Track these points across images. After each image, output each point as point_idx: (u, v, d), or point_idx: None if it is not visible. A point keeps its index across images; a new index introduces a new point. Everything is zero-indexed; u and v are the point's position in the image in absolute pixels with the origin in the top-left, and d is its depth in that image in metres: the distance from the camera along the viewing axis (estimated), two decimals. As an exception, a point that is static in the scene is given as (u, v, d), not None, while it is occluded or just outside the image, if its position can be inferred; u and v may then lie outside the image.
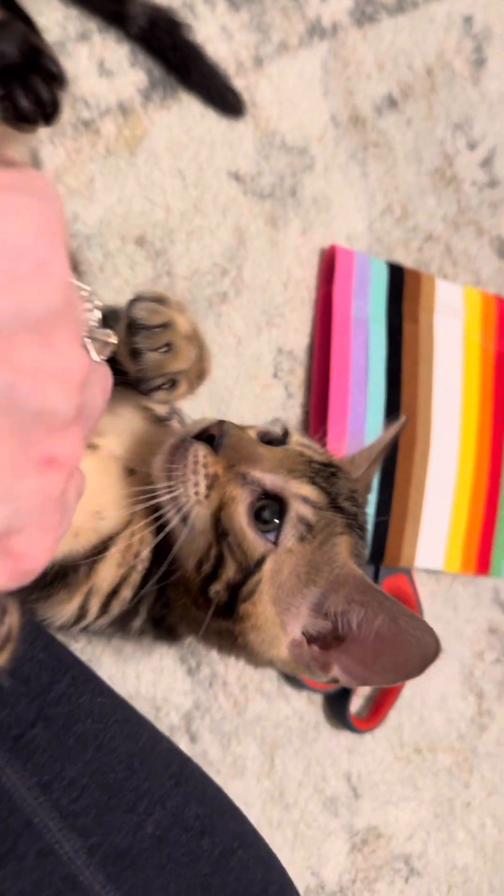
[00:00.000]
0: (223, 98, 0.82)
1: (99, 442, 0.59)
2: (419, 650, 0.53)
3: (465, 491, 0.95)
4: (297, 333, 0.88)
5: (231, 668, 0.84)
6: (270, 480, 0.56)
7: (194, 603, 0.57)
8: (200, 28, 0.83)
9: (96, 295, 0.44)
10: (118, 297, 0.78)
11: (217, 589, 0.55)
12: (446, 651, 0.98)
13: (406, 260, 0.95)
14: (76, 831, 0.48)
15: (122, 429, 0.61)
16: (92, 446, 0.58)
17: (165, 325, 0.54)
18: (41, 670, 0.52)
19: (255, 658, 0.59)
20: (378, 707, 0.91)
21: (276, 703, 0.87)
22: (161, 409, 0.65)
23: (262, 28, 0.86)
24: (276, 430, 0.61)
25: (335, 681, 0.59)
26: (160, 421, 0.64)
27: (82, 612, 0.58)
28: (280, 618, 0.57)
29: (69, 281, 0.35)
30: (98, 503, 0.58)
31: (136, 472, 0.60)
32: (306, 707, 0.88)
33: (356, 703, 0.92)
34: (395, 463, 0.90)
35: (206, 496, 0.54)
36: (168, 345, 0.54)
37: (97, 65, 0.78)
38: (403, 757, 0.95)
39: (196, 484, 0.54)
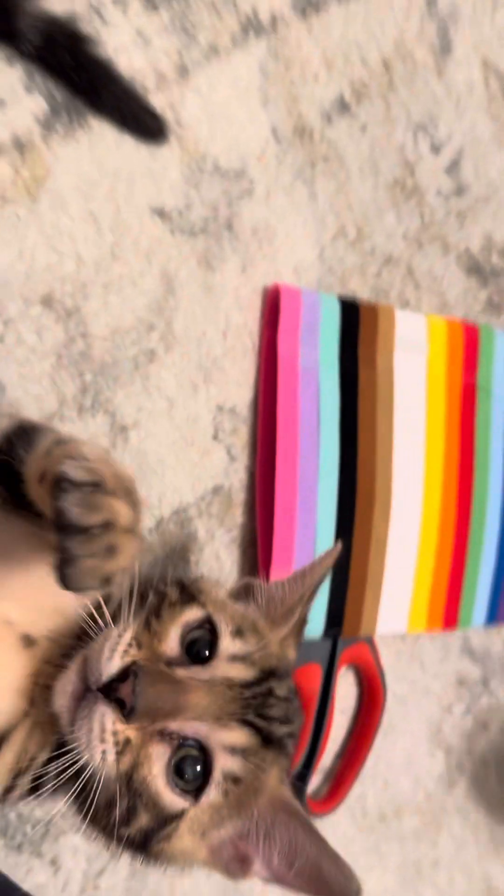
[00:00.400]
0: (141, 122, 0.69)
1: None
2: (339, 891, 0.52)
3: (430, 543, 0.87)
4: (240, 387, 0.78)
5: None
6: (193, 730, 0.49)
7: (103, 830, 0.50)
8: (111, 36, 0.69)
9: None
10: (23, 370, 0.67)
11: (128, 833, 0.49)
12: (411, 712, 0.91)
13: (363, 288, 0.84)
14: None
15: (12, 578, 0.51)
16: None
17: (105, 525, 0.43)
18: None
19: (169, 867, 0.53)
20: (337, 785, 0.85)
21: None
22: None
23: (186, 29, 0.73)
24: (202, 617, 0.52)
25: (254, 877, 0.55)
26: None
27: None
28: (200, 840, 0.51)
29: None
30: None
31: (35, 642, 0.51)
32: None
33: (313, 782, 0.86)
34: (352, 525, 0.81)
35: (116, 761, 0.47)
36: (108, 547, 0.44)
37: (-16, 92, 0.65)
38: (367, 827, 0.89)
39: (104, 752, 0.47)
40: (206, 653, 0.52)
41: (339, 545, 0.60)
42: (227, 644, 0.52)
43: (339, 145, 0.82)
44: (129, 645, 0.49)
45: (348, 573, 0.81)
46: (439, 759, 0.94)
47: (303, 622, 0.59)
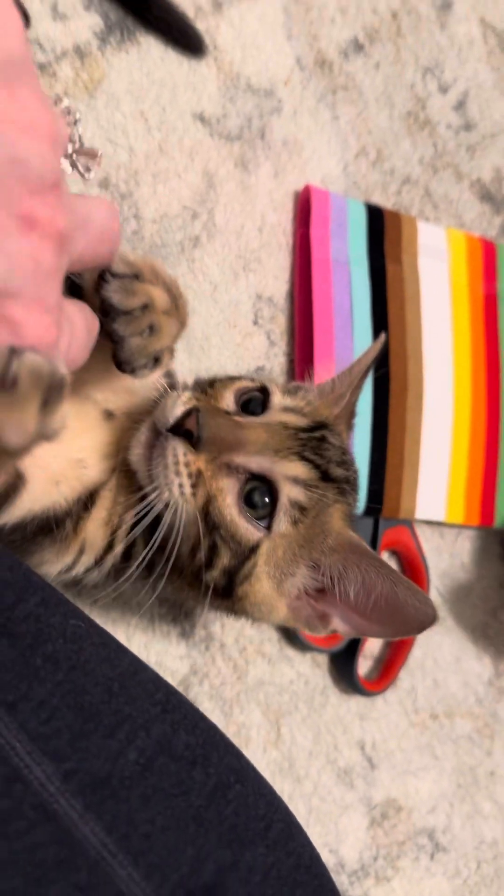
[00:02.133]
0: (184, 37, 0.80)
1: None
2: (417, 618, 0.55)
3: (463, 438, 0.91)
4: (276, 280, 0.85)
5: (228, 629, 0.79)
6: (257, 464, 0.54)
7: (189, 585, 0.56)
8: (155, -29, 0.81)
9: (78, 111, 0.43)
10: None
11: (213, 576, 0.54)
12: (455, 609, 0.93)
13: (385, 203, 0.92)
14: (48, 755, 0.43)
15: (94, 366, 0.57)
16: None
17: (145, 307, 0.49)
18: (5, 589, 0.47)
19: (254, 620, 0.60)
20: (387, 668, 0.86)
21: (278, 666, 0.82)
22: None
23: (219, -28, 0.84)
24: (254, 386, 0.58)
25: (334, 632, 0.59)
26: None
27: (73, 565, 0.56)
28: (278, 588, 0.56)
29: (25, 36, 0.35)
30: (79, 448, 0.55)
31: (114, 416, 0.57)
32: (311, 670, 0.83)
33: (364, 666, 0.87)
34: (387, 410, 0.86)
35: (193, 494, 0.52)
36: (150, 326, 0.50)
37: (50, 8, 0.76)
38: (419, 723, 0.90)
39: (180, 485, 0.52)
40: (261, 410, 0.57)
41: (383, 336, 0.65)
42: (279, 399, 0.58)
43: (357, 78, 0.92)
44: (189, 399, 0.54)
45: (385, 456, 0.85)
46: (487, 664, 0.95)
47: (352, 410, 0.64)
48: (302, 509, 0.54)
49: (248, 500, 0.54)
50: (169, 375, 0.62)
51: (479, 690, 0.94)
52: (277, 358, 0.84)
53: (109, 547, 0.57)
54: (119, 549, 0.57)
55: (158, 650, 0.75)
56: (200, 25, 0.82)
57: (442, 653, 0.92)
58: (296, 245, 0.86)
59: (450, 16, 0.99)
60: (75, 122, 0.46)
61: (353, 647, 0.82)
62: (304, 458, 0.55)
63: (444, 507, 0.89)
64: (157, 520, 0.53)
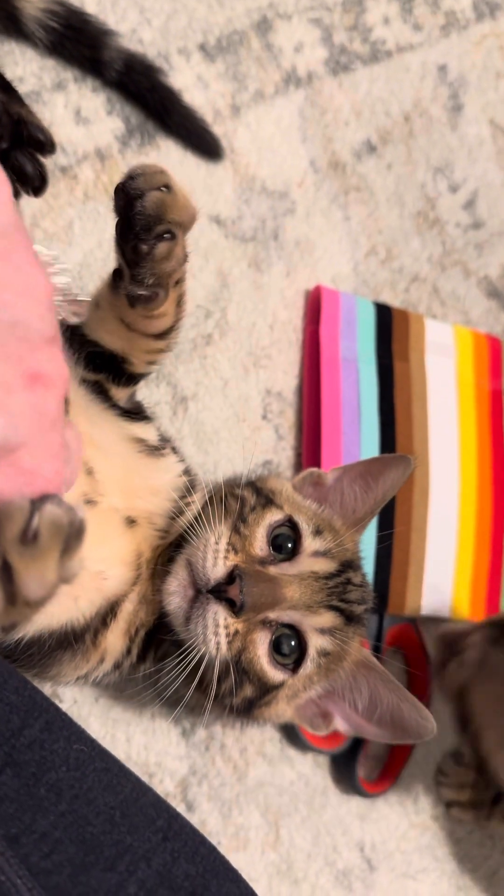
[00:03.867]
0: (202, 140, 0.82)
1: (96, 497, 0.57)
2: (416, 730, 0.60)
3: (469, 532, 0.91)
4: (286, 375, 0.86)
5: (229, 729, 0.79)
6: (289, 617, 0.58)
7: (203, 694, 0.58)
8: (177, 78, 0.83)
9: (59, 259, 0.47)
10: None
11: (234, 702, 0.57)
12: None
13: (394, 301, 0.94)
14: (49, 891, 0.42)
15: (115, 470, 0.58)
16: (89, 501, 0.56)
17: (161, 172, 0.54)
18: (11, 713, 0.47)
19: (260, 725, 0.66)
20: (388, 768, 0.85)
21: (279, 766, 0.81)
22: (152, 438, 0.62)
23: (237, 77, 0.87)
24: (283, 518, 0.60)
25: (335, 731, 0.63)
26: (154, 450, 0.61)
27: (91, 672, 0.59)
28: (290, 702, 0.60)
29: (14, 205, 0.38)
30: (99, 559, 0.56)
31: (136, 523, 0.58)
32: (312, 771, 0.82)
33: (365, 767, 0.86)
34: (393, 505, 0.86)
35: (228, 648, 0.55)
36: (166, 186, 0.54)
37: (74, 113, 0.78)
38: (420, 824, 0.88)
39: (218, 644, 0.55)
40: (290, 546, 0.58)
41: (412, 464, 0.65)
42: (309, 542, 0.59)
43: (369, 179, 0.94)
44: (227, 550, 0.56)
45: (391, 553, 0.86)
46: (489, 761, 0.94)
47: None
48: (326, 654, 0.59)
49: (276, 646, 0.58)
50: (188, 473, 0.63)
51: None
52: (285, 452, 0.85)
53: (127, 652, 0.59)
54: (135, 652, 0.58)
55: (158, 750, 0.75)
56: (218, 129, 0.85)
57: (444, 748, 0.91)
58: (305, 342, 0.87)
59: (460, 117, 1.02)
60: (59, 272, 0.49)
61: (354, 749, 0.81)
62: (331, 608, 0.59)
63: (450, 603, 0.89)
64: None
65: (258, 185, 0.87)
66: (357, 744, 0.82)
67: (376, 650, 0.84)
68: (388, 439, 0.87)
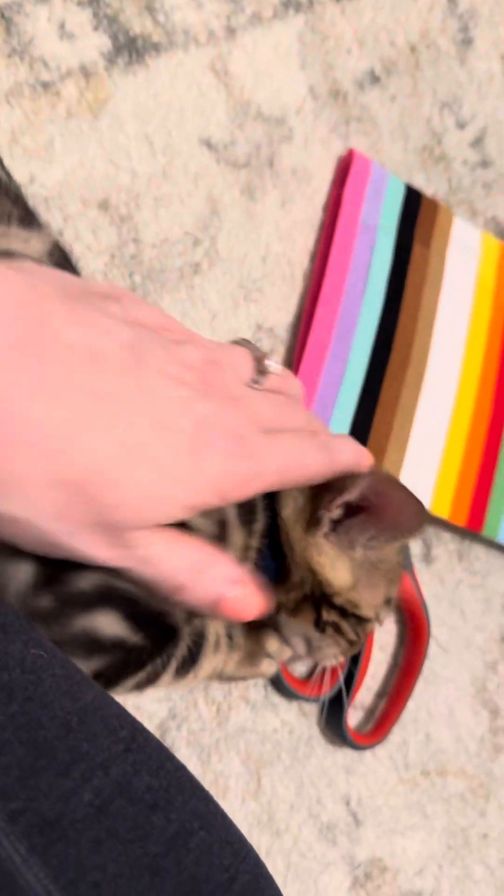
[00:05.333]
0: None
1: None
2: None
3: (461, 433, 0.86)
4: (279, 310, 0.83)
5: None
6: None
7: None
8: (168, -5, 0.79)
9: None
10: (79, 265, 0.73)
11: None
12: (452, 661, 0.89)
13: (395, 239, 0.90)
14: None
15: None
16: None
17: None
18: None
19: None
20: (382, 719, 0.82)
21: (262, 713, 0.78)
22: None
23: (233, -2, 0.83)
24: None
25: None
26: None
27: None
28: None
29: None
30: None
31: None
32: (297, 719, 0.79)
33: (355, 717, 0.83)
34: (382, 378, 0.82)
35: None
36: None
37: (57, 27, 0.75)
38: (409, 779, 0.85)
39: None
40: None
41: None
42: None
43: (371, 109, 0.90)
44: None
45: (371, 423, 0.81)
46: (483, 718, 0.90)
47: None
48: None
49: None
50: None
51: (470, 747, 0.89)
52: (276, 391, 0.82)
53: None
54: None
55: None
56: (212, 51, 0.81)
57: (437, 704, 0.88)
58: (328, 206, 0.85)
59: (470, 51, 0.97)
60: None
61: (340, 698, 0.78)
62: None
63: (430, 497, 0.84)
64: None
65: (253, 109, 0.83)
66: (344, 690, 0.79)
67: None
68: (392, 315, 0.84)
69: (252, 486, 0.48)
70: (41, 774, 0.41)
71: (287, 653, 0.70)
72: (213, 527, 0.54)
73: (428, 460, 0.85)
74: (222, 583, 0.49)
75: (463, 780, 0.88)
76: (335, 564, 0.59)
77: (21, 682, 0.43)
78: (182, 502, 0.46)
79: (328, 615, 0.60)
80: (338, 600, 0.59)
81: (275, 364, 0.56)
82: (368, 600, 0.61)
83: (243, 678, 0.74)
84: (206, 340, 0.54)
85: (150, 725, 0.73)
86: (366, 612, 0.61)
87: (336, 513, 0.56)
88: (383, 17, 0.92)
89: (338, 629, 0.61)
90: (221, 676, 0.70)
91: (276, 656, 0.70)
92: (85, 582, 0.49)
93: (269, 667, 0.71)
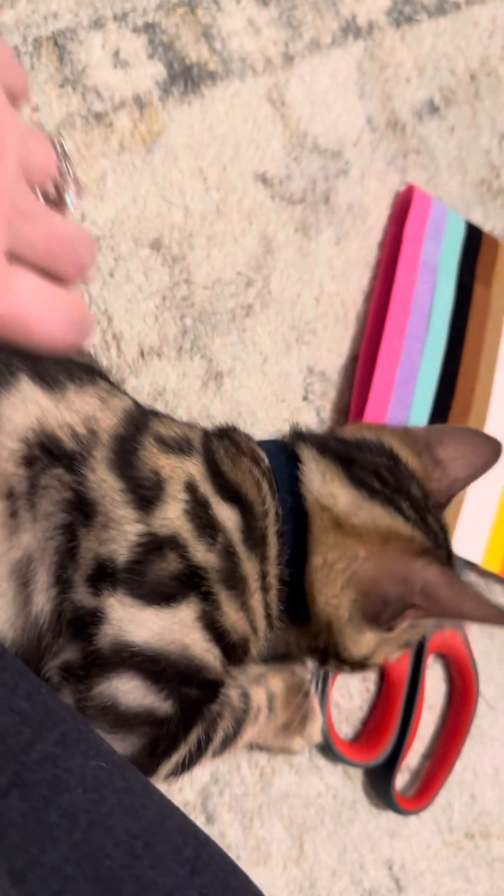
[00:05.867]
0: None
1: None
2: None
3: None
4: (331, 353, 0.79)
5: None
6: None
7: None
8: (225, 21, 0.76)
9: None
10: (130, 306, 0.70)
11: None
12: (501, 719, 0.85)
13: (450, 277, 0.86)
14: None
15: None
16: None
17: None
18: (22, 724, 0.41)
19: None
20: (428, 783, 0.79)
21: (307, 777, 0.75)
22: None
23: (292, 24, 0.79)
24: None
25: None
26: None
27: None
28: None
29: None
30: None
31: None
32: (342, 783, 0.76)
33: (401, 779, 0.80)
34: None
35: None
36: None
37: (111, 55, 0.71)
38: (453, 843, 0.82)
39: None
40: None
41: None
42: None
43: (430, 141, 0.86)
44: None
45: None
46: (530, 778, 0.87)
47: None
48: None
49: None
50: None
51: (518, 808, 0.86)
52: (327, 438, 0.78)
53: None
54: None
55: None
56: (269, 79, 0.77)
57: (483, 764, 0.84)
58: (385, 243, 0.82)
59: (530, 79, 0.93)
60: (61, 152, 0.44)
61: (390, 762, 0.75)
62: None
63: (483, 551, 0.81)
64: None
65: (310, 141, 0.79)
66: (394, 756, 0.75)
67: (419, 652, 0.77)
68: (454, 357, 0.81)
69: None
70: None
71: (318, 738, 0.68)
72: (220, 559, 0.50)
73: (483, 513, 0.81)
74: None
75: (507, 842, 0.85)
76: (361, 640, 0.55)
77: (83, 803, 0.40)
78: None
79: (334, 665, 0.58)
80: (348, 659, 0.57)
81: (72, 200, 0.49)
82: (382, 656, 0.58)
83: (270, 749, 0.71)
84: (18, 120, 0.43)
85: (192, 791, 0.69)
86: (375, 662, 0.58)
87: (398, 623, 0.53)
88: (443, 43, 0.88)
89: (340, 668, 0.59)
90: (251, 745, 0.67)
91: (308, 740, 0.68)
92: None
93: (299, 745, 0.68)
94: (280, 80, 0.78)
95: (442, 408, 0.79)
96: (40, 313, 0.42)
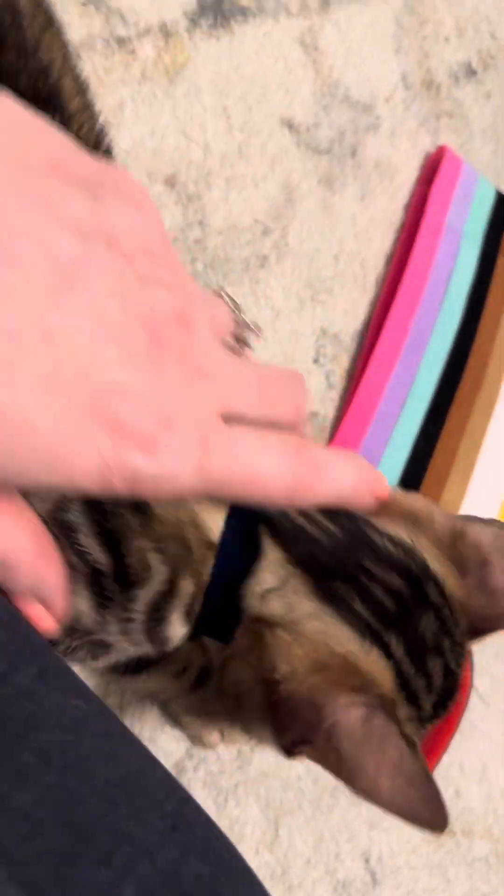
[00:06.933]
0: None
1: None
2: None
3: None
4: (346, 315, 0.75)
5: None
6: None
7: None
8: (262, -45, 0.72)
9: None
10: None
11: None
12: (492, 714, 0.82)
13: (475, 249, 0.82)
14: (23, 887, 0.32)
15: None
16: None
17: None
18: None
19: None
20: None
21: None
22: None
23: (331, -34, 0.75)
24: None
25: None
26: None
27: None
28: None
29: None
30: None
31: None
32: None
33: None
34: (451, 401, 0.75)
35: None
36: None
37: (139, -24, 0.67)
38: (433, 839, 0.78)
39: None
40: None
41: None
42: None
43: (465, 105, 0.82)
44: None
45: (433, 448, 0.75)
46: (518, 778, 0.83)
47: None
48: None
49: None
50: None
51: (500, 808, 0.82)
52: (333, 402, 0.74)
53: None
54: None
55: (153, 725, 0.65)
56: (303, 22, 0.73)
57: (470, 759, 0.81)
58: (411, 205, 0.78)
59: None
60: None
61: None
62: None
63: None
64: None
65: (341, 91, 0.75)
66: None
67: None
68: (469, 330, 0.77)
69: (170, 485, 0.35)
70: (78, 862, 0.33)
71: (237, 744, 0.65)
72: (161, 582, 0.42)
73: (493, 491, 0.77)
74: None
75: (489, 843, 0.82)
76: (261, 733, 0.48)
77: (59, 744, 0.35)
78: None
79: None
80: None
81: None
82: None
83: (183, 729, 0.66)
84: (194, 286, 0.39)
85: (167, 764, 0.65)
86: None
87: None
88: (486, 6, 0.84)
89: None
90: (166, 707, 0.63)
91: (227, 739, 0.65)
92: None
93: (215, 740, 0.65)
94: (315, 25, 0.74)
95: (451, 380, 0.76)
96: (268, 466, 0.37)
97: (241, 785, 0.68)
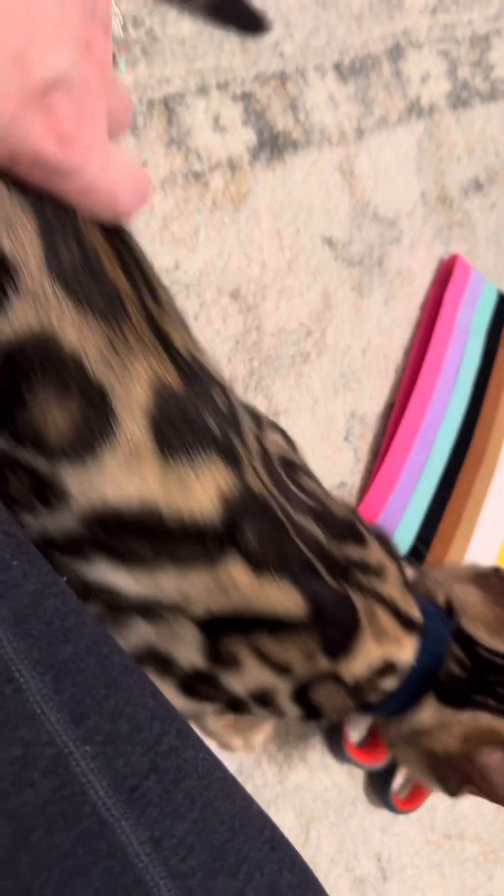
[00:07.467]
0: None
1: None
2: None
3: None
4: (371, 400, 0.89)
5: (277, 737, 0.82)
6: None
7: None
8: (310, 94, 0.85)
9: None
10: (208, 347, 0.78)
11: None
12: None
13: (478, 339, 0.97)
14: (184, 893, 0.46)
15: None
16: None
17: None
18: (153, 719, 0.50)
19: None
20: (420, 787, 0.89)
21: (317, 773, 0.85)
22: None
23: (365, 101, 0.88)
24: None
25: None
26: None
27: None
28: None
29: None
30: None
31: None
32: (346, 781, 0.86)
33: (396, 783, 0.90)
34: (457, 474, 0.90)
35: None
36: None
37: (212, 119, 0.79)
38: (434, 842, 0.93)
39: None
40: None
41: None
42: None
43: (472, 216, 0.96)
44: None
45: (444, 510, 0.89)
46: None
47: None
48: None
49: None
50: None
51: (487, 815, 0.97)
52: (360, 474, 0.88)
53: None
54: None
55: (211, 747, 0.78)
56: (341, 151, 0.86)
57: (463, 775, 0.95)
58: (427, 304, 0.92)
59: None
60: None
61: (392, 766, 0.85)
62: None
63: None
64: None
65: (371, 210, 0.88)
66: (395, 762, 0.85)
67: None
68: (474, 412, 0.92)
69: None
70: (217, 876, 0.47)
71: (258, 747, 0.79)
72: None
73: (490, 547, 0.92)
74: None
75: (478, 845, 0.96)
76: None
77: (198, 788, 0.49)
78: None
79: None
80: None
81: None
82: None
83: (210, 735, 0.80)
84: None
85: (222, 779, 0.79)
86: None
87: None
88: (492, 127, 0.98)
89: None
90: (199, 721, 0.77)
91: (247, 744, 0.79)
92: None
93: (237, 744, 0.79)
94: (351, 152, 0.87)
95: (460, 453, 0.90)
96: (126, 186, 0.47)
97: (280, 796, 0.82)
